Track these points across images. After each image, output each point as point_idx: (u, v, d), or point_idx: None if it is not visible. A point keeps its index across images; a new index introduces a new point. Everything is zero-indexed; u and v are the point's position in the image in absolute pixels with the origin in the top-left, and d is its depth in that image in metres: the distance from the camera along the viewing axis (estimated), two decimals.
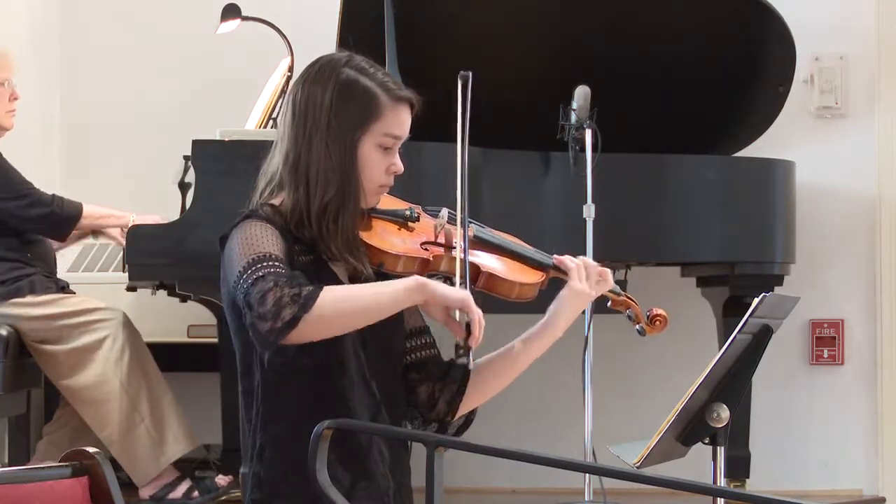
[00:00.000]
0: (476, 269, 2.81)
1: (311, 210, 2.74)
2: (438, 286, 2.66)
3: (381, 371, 2.79)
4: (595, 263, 2.89)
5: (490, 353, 2.88)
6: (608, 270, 2.89)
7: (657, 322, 2.93)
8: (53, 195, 5.01)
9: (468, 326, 2.66)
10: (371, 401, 2.76)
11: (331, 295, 2.58)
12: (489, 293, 2.84)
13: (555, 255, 2.91)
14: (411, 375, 2.86)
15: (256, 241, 2.66)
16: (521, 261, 2.88)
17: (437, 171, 4.77)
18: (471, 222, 2.84)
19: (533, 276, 2.86)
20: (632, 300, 2.93)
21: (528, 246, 2.93)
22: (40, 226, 4.99)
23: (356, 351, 2.75)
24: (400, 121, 2.79)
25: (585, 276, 2.86)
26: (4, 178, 4.95)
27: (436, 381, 2.86)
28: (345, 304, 2.61)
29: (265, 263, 2.60)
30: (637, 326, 2.94)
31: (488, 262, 2.84)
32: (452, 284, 2.75)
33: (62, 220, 5.00)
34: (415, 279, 2.66)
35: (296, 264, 2.71)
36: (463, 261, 2.75)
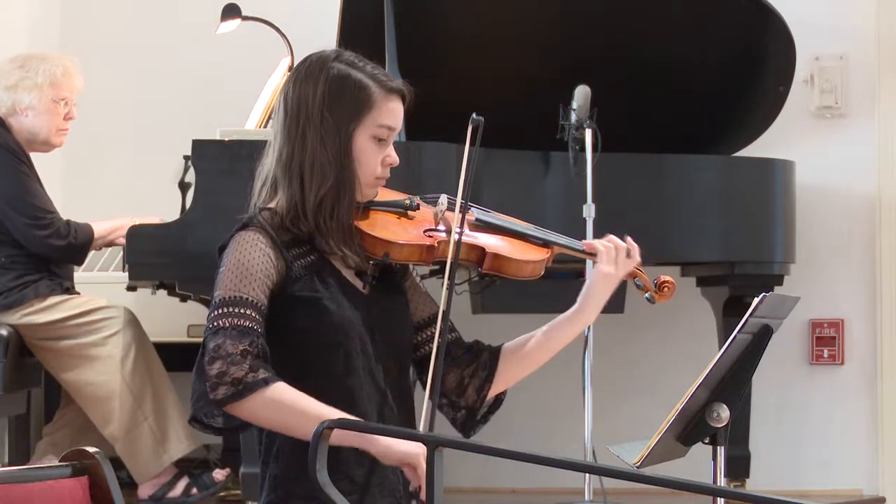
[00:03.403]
0: (481, 251, 2.82)
1: (307, 204, 2.75)
2: (382, 441, 2.62)
3: (388, 363, 2.80)
4: (621, 242, 2.90)
5: (518, 338, 2.89)
6: (636, 246, 2.91)
7: (665, 288, 2.96)
8: (69, 223, 4.99)
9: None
10: (381, 401, 2.77)
11: (273, 395, 2.60)
12: (497, 274, 2.85)
13: (584, 241, 2.93)
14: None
15: (241, 271, 2.68)
16: (524, 240, 2.89)
17: (436, 170, 4.78)
18: (471, 206, 2.84)
19: (538, 254, 2.87)
20: (639, 269, 2.95)
21: (530, 225, 2.94)
22: (57, 255, 4.99)
23: (364, 349, 2.76)
24: (393, 111, 2.80)
25: (614, 257, 2.87)
26: (32, 206, 4.95)
27: (464, 368, 2.87)
28: (281, 412, 2.62)
29: (235, 310, 2.64)
30: (646, 294, 2.96)
31: (493, 242, 2.85)
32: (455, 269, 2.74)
33: (77, 248, 5.01)
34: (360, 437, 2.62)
35: (294, 270, 2.72)
36: (454, 254, 2.74)
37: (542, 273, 2.89)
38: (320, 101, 2.76)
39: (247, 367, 2.60)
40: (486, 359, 2.87)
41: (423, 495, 2.60)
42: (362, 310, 2.77)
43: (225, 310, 2.64)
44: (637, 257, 2.92)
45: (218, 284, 2.69)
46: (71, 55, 5.22)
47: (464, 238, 2.74)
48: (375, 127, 2.78)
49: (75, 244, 4.99)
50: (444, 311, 2.67)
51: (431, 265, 2.87)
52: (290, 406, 2.62)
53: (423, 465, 2.60)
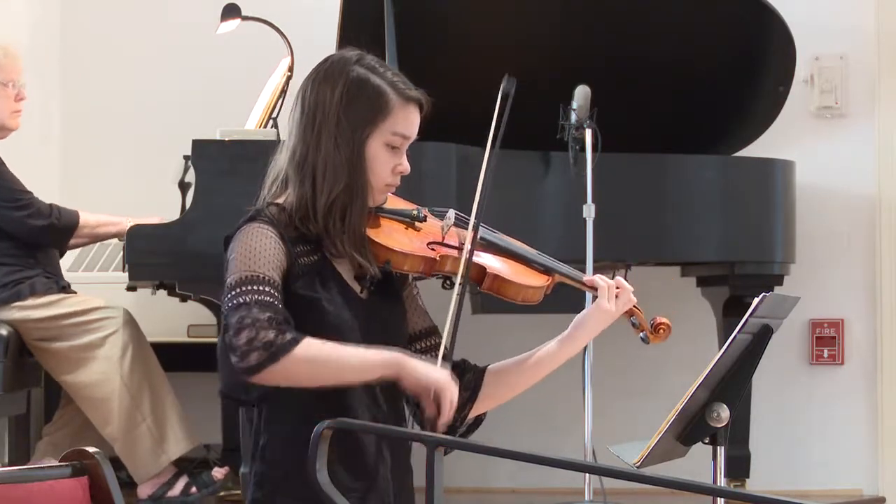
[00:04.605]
0: (482, 271, 2.82)
1: (318, 206, 2.75)
2: (416, 366, 2.67)
3: None
4: (625, 284, 2.89)
5: (505, 361, 2.89)
6: (630, 288, 2.89)
7: (661, 330, 2.93)
8: (51, 205, 5.00)
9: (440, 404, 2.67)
10: (371, 402, 2.76)
11: (304, 352, 2.61)
12: (495, 295, 2.85)
13: (586, 277, 2.91)
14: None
15: (254, 254, 2.68)
16: (527, 264, 2.89)
17: (435, 171, 4.78)
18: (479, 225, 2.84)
19: (539, 280, 2.87)
20: (636, 307, 2.93)
21: (534, 250, 2.94)
22: (40, 237, 4.99)
23: None
24: (409, 120, 2.79)
25: (615, 294, 2.86)
26: (7, 189, 4.95)
27: None
28: (315, 365, 2.64)
29: (253, 287, 2.63)
30: (641, 334, 2.93)
31: (495, 264, 2.85)
32: (453, 285, 2.75)
33: (60, 230, 5.00)
34: (394, 356, 2.67)
35: (297, 267, 2.72)
36: (466, 262, 2.74)
37: (541, 299, 2.88)
38: (337, 104, 2.75)
39: (275, 330, 2.59)
40: (470, 379, 2.87)
41: (441, 423, 2.66)
42: (359, 314, 2.76)
43: (242, 288, 2.63)
44: (633, 299, 2.90)
45: (230, 270, 2.67)
46: (5, 40, 5.19)
47: (466, 256, 2.74)
48: (390, 134, 2.77)
49: (58, 225, 4.98)
50: (451, 323, 2.67)
51: (430, 277, 2.86)
52: (323, 359, 2.63)
53: (447, 397, 2.65)
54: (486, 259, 2.84)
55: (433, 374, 2.67)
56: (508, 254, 2.89)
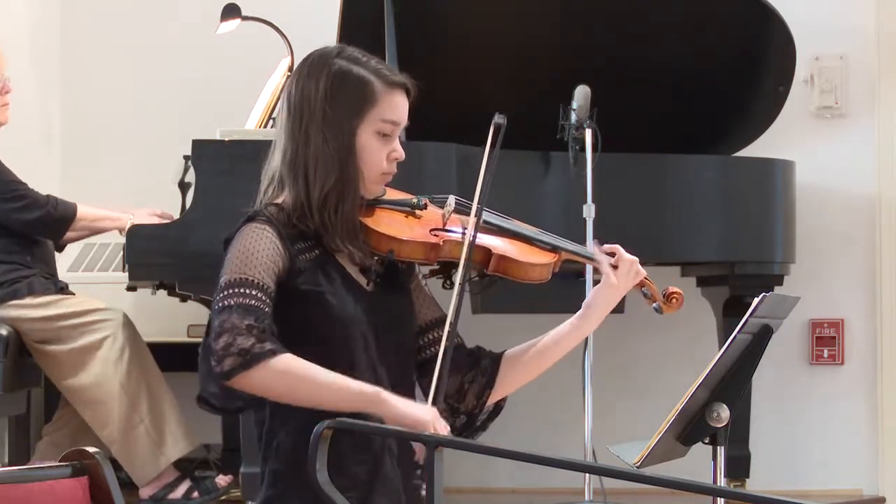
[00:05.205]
0: (487, 253, 2.82)
1: (312, 201, 2.75)
2: (397, 404, 2.62)
3: (390, 362, 2.79)
4: (630, 257, 2.88)
5: (521, 345, 2.88)
6: (634, 259, 2.89)
7: (673, 300, 2.94)
8: (48, 196, 4.99)
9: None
10: None
11: (281, 365, 2.60)
12: (503, 276, 2.84)
13: (592, 250, 2.91)
14: (435, 367, 2.84)
15: (248, 256, 2.68)
16: (531, 243, 2.89)
17: (436, 171, 4.78)
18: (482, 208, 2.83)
19: (545, 258, 2.87)
20: (647, 279, 2.93)
21: (538, 230, 2.93)
22: (36, 228, 4.99)
23: (366, 346, 2.76)
24: (396, 106, 2.79)
25: (622, 269, 2.86)
26: (1, 181, 4.95)
27: (464, 373, 2.85)
28: (290, 380, 2.62)
29: (241, 290, 2.63)
30: (654, 305, 2.94)
31: (500, 244, 2.85)
32: (453, 286, 2.75)
33: (55, 221, 4.98)
34: (377, 393, 2.63)
35: (298, 263, 2.72)
36: (467, 256, 2.74)
37: (549, 277, 2.88)
38: (322, 98, 2.75)
39: (253, 339, 2.59)
40: (486, 365, 2.86)
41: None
42: (366, 307, 2.76)
43: (230, 291, 2.64)
44: (642, 272, 2.90)
45: (224, 269, 2.68)
46: None
47: (465, 248, 2.74)
48: (379, 122, 2.77)
49: (53, 214, 4.96)
50: (452, 316, 2.67)
51: (435, 265, 2.87)
52: (300, 375, 2.61)
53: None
54: (490, 240, 2.84)
55: (415, 414, 2.62)
56: (512, 234, 2.89)
